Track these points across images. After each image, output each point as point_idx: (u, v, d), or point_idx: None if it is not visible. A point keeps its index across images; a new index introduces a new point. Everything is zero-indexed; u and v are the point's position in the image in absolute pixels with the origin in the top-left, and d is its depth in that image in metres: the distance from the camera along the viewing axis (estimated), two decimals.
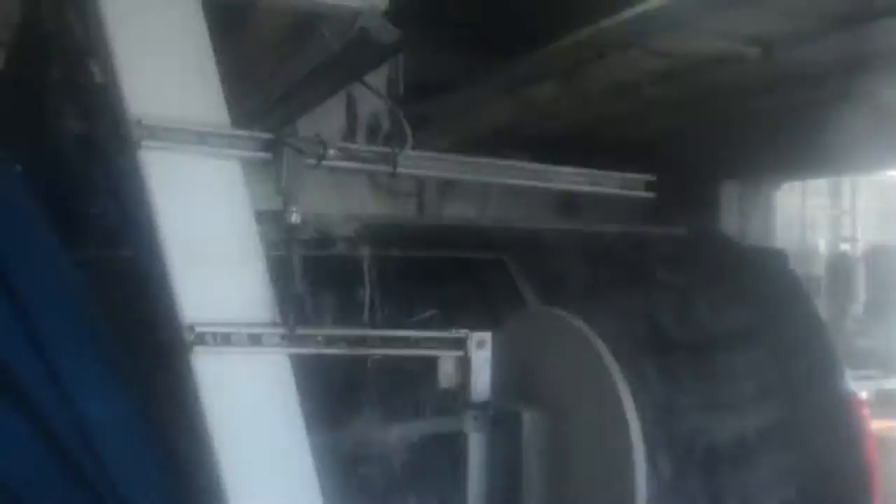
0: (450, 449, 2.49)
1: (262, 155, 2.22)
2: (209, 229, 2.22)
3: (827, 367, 3.81)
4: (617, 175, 2.65)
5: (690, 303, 3.64)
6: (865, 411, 3.84)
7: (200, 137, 2.17)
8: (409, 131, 2.34)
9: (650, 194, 2.66)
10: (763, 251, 4.70)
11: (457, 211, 6.72)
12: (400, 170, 2.33)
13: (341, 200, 7.05)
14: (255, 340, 2.24)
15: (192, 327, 2.16)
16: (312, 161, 2.24)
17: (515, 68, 5.29)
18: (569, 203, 7.96)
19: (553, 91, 5.08)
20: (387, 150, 2.33)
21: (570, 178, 2.58)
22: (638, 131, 7.18)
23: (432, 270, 3.23)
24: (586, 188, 2.61)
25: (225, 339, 2.21)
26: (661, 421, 3.17)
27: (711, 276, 3.84)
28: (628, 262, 3.72)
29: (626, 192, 2.66)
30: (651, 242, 3.88)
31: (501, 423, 2.37)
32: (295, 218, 2.22)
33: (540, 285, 3.27)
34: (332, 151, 2.25)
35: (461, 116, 6.12)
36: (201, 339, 2.18)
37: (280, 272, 2.24)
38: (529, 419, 2.33)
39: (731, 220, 7.84)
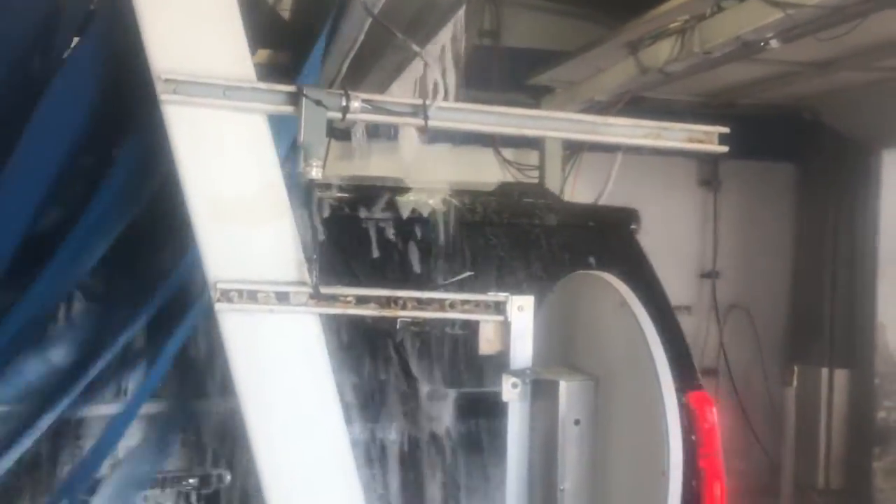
0: None
1: (284, 108, 2.17)
2: (235, 185, 2.20)
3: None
4: (682, 127, 2.40)
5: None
6: (711, 409, 3.26)
7: (222, 91, 2.14)
8: (441, 82, 2.22)
9: (723, 148, 2.40)
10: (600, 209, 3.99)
11: (581, 183, 6.51)
12: (432, 122, 2.21)
13: (469, 174, 7.02)
14: (283, 298, 2.20)
15: (216, 284, 2.15)
16: (336, 114, 2.16)
17: (633, 28, 5.04)
18: (709, 179, 7.58)
19: (673, 49, 4.78)
20: (418, 101, 2.21)
21: (625, 132, 2.36)
22: (777, 96, 6.71)
23: None
24: (646, 142, 2.38)
25: (251, 297, 2.18)
26: None
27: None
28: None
29: (693, 146, 2.41)
30: None
31: (540, 391, 2.23)
32: (315, 173, 2.15)
33: None
34: (356, 104, 2.16)
35: (584, 82, 5.90)
36: (226, 297, 2.17)
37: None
38: (566, 388, 2.17)
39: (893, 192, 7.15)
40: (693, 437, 3.22)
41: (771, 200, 7.65)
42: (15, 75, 2.58)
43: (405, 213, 3.20)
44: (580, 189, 6.51)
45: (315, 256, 2.17)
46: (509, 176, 7.01)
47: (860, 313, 7.12)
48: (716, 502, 3.27)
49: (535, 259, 3.37)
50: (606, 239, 3.65)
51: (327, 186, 2.96)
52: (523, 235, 3.41)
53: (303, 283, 2.20)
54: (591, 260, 3.44)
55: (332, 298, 2.23)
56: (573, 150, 6.61)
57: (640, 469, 2.01)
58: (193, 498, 2.78)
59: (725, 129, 2.43)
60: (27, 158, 2.49)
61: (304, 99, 2.12)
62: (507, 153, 6.99)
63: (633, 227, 3.81)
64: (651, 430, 1.97)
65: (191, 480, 2.77)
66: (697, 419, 3.26)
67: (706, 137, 2.43)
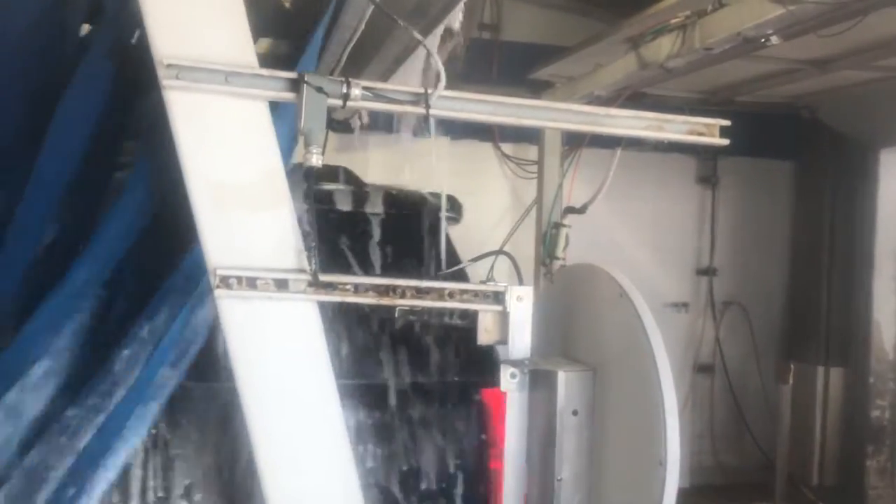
0: None
1: (285, 95, 2.16)
2: (236, 172, 2.20)
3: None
4: (684, 119, 2.41)
5: None
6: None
7: (224, 77, 2.14)
8: (442, 71, 2.21)
9: (723, 141, 2.41)
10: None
11: (580, 178, 6.50)
12: (433, 111, 2.21)
13: (470, 167, 7.01)
14: (282, 286, 2.20)
15: (215, 271, 2.15)
16: (336, 101, 2.15)
17: (634, 24, 5.03)
18: (707, 175, 7.59)
19: (673, 45, 4.77)
20: (420, 90, 2.21)
21: (627, 123, 2.37)
22: (776, 93, 6.71)
23: None
24: (647, 133, 2.38)
25: (250, 284, 2.18)
26: None
27: None
28: None
29: (694, 139, 2.41)
30: None
31: (538, 381, 2.24)
32: (315, 160, 2.15)
33: None
34: (356, 91, 2.16)
35: (584, 77, 5.89)
36: (225, 283, 2.17)
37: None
38: (565, 378, 2.17)
39: (892, 191, 7.14)
40: (483, 437, 2.97)
41: (768, 198, 7.66)
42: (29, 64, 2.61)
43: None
44: (579, 184, 6.50)
45: (314, 244, 2.16)
46: (508, 171, 7.01)
47: (856, 311, 7.13)
48: None
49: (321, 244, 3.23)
50: (407, 226, 3.43)
51: None
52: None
53: (302, 271, 2.20)
54: (388, 249, 3.30)
55: (331, 286, 2.23)
56: (572, 145, 6.60)
57: (637, 459, 2.02)
58: None
59: (726, 122, 2.44)
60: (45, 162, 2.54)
61: (305, 86, 2.12)
62: (506, 148, 6.98)
63: (450, 215, 3.58)
64: (649, 420, 1.97)
65: None
66: (491, 417, 3.11)
67: (707, 130, 2.44)
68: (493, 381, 3.18)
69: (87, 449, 2.48)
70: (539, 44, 6.44)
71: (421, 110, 2.21)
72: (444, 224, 2.73)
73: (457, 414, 3.13)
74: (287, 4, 3.75)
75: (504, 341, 2.27)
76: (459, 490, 3.11)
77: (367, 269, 3.18)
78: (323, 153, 2.24)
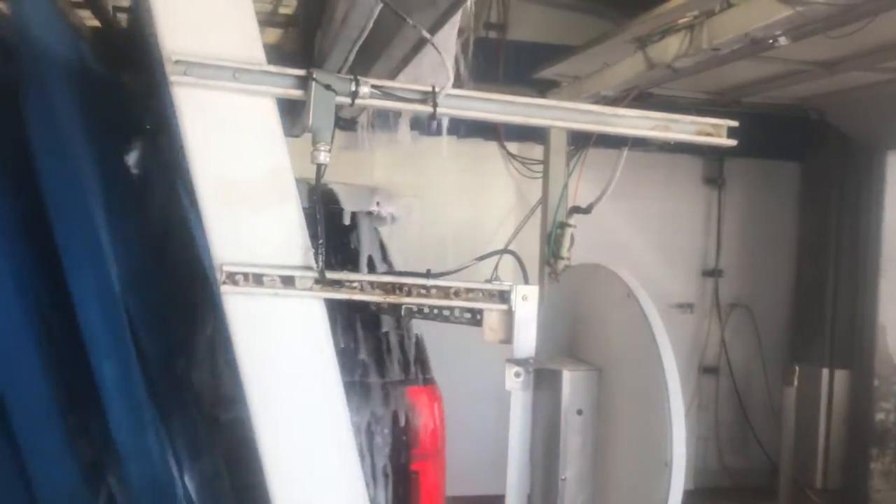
0: None
1: (294, 92, 2.16)
2: (243, 168, 2.19)
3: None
4: (691, 119, 2.39)
5: None
6: (431, 406, 2.97)
7: (232, 73, 2.13)
8: (450, 69, 2.21)
9: (731, 141, 2.40)
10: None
11: (586, 178, 6.49)
12: (441, 110, 2.21)
13: (475, 166, 7.02)
14: (288, 283, 2.20)
15: (222, 267, 2.15)
16: (345, 99, 2.15)
17: (641, 24, 5.02)
18: (714, 176, 7.59)
19: (681, 45, 4.76)
20: (427, 88, 2.20)
21: (634, 123, 2.36)
22: (784, 95, 6.70)
23: None
24: (654, 133, 2.37)
25: (257, 281, 2.18)
26: None
27: None
28: None
29: (702, 139, 2.40)
30: None
31: (543, 380, 2.23)
32: (323, 157, 2.15)
33: None
34: (365, 89, 2.16)
35: (590, 77, 5.89)
36: (232, 280, 2.16)
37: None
38: (570, 377, 2.17)
39: None
40: (404, 437, 2.99)
41: (775, 199, 7.65)
42: None
43: None
44: (584, 184, 6.51)
45: (321, 241, 2.16)
46: (513, 170, 7.02)
47: (861, 314, 7.12)
48: None
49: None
50: (332, 222, 3.27)
51: None
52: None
53: (308, 268, 2.20)
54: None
55: (338, 283, 2.22)
56: (578, 145, 6.60)
57: (642, 460, 2.01)
58: None
59: (734, 123, 2.43)
60: None
61: (313, 83, 2.11)
62: (511, 147, 6.99)
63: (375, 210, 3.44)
64: (654, 421, 1.97)
65: None
66: (413, 416, 3.02)
67: (715, 130, 2.42)
68: (418, 379, 3.22)
69: None
70: (545, 43, 6.45)
71: (428, 109, 2.21)
72: None
73: (380, 414, 3.06)
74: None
75: (509, 340, 2.27)
76: (380, 492, 3.03)
77: None
78: (330, 150, 2.24)
